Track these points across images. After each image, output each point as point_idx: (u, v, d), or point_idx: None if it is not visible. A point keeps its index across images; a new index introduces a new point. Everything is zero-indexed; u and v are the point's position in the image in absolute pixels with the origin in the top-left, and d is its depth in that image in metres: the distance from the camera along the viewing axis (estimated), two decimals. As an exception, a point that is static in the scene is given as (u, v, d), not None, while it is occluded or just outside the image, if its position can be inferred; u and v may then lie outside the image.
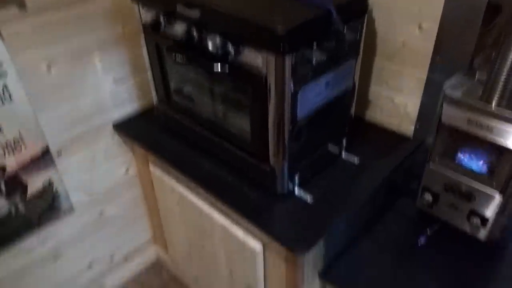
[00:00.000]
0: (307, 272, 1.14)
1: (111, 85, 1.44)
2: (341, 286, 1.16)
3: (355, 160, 1.27)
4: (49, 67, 1.26)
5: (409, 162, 1.29)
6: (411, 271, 1.17)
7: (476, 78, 1.04)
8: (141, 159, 1.58)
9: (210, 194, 1.23)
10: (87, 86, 1.38)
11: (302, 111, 1.04)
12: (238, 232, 1.24)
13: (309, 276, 1.16)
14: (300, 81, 0.98)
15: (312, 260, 1.13)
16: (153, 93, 1.40)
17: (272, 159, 1.10)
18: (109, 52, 1.39)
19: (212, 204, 1.31)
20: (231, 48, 0.98)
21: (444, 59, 1.15)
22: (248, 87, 1.05)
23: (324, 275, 1.19)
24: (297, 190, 1.18)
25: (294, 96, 0.98)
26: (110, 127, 1.50)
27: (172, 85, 1.33)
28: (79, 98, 1.37)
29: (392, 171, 1.24)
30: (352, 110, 1.25)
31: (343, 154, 1.29)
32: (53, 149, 1.36)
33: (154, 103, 1.44)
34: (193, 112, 1.32)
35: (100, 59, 1.37)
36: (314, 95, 1.04)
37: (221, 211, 1.28)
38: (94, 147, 1.49)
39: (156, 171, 1.46)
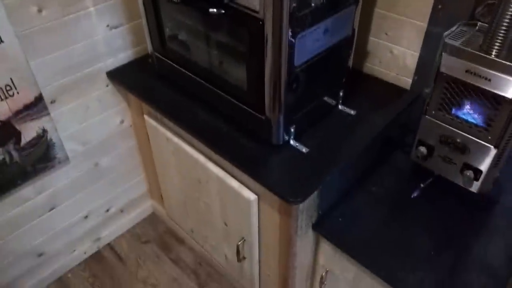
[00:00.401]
0: (301, 224, 1.15)
1: (105, 30, 1.40)
2: (334, 237, 1.17)
3: (352, 111, 1.26)
4: (40, 10, 1.22)
5: (406, 115, 1.29)
6: (404, 223, 1.19)
7: (477, 28, 1.02)
8: (136, 109, 1.57)
9: (205, 144, 1.22)
10: (80, 31, 1.34)
11: (300, 59, 1.02)
12: (233, 183, 1.25)
13: (303, 228, 1.17)
14: (298, 26, 0.95)
15: (306, 211, 1.14)
16: (148, 39, 1.36)
17: (268, 109, 1.09)
18: (102, -6, 1.34)
19: (207, 155, 1.30)
20: (227, -12, 0.95)
21: (446, 7, 1.12)
22: (244, 33, 1.02)
23: (318, 226, 1.20)
24: (292, 141, 1.17)
25: (292, 42, 0.96)
26: (104, 75, 1.47)
27: (167, 31, 1.30)
28: (72, 43, 1.34)
29: (389, 123, 1.23)
30: (350, 61, 1.23)
31: (340, 105, 1.28)
32: (46, 97, 1.34)
33: (149, 50, 1.41)
34: (188, 60, 1.29)
35: (93, 2, 1.32)
36: (312, 42, 1.02)
37: (216, 162, 1.28)
38: (88, 96, 1.47)
39: (151, 121, 1.45)
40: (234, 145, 1.18)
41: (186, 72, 1.30)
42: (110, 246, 1.87)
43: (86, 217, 1.71)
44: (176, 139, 1.38)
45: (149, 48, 1.39)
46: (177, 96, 1.35)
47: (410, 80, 1.31)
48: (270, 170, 1.12)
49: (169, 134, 1.40)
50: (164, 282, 1.74)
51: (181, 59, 1.30)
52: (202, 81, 1.26)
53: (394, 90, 1.35)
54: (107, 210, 1.80)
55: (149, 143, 1.57)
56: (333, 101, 1.26)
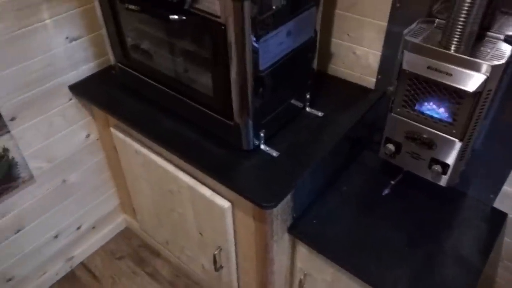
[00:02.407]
0: (276, 228, 1.14)
1: (65, 43, 1.36)
2: (310, 240, 1.17)
3: (319, 113, 1.27)
4: (-8, 24, 1.17)
5: (372, 114, 1.30)
6: (377, 221, 1.20)
7: (435, 25, 1.04)
8: (102, 122, 1.53)
9: (174, 153, 1.20)
10: (38, 45, 1.29)
11: (265, 62, 1.01)
12: (205, 191, 1.23)
13: (279, 232, 1.17)
14: (261, 29, 0.95)
15: (281, 215, 1.14)
16: (109, 50, 1.33)
17: (236, 115, 1.08)
18: (59, 6, 1.29)
19: (177, 165, 1.28)
20: (187, -6, 0.94)
21: (404, 5, 1.14)
22: (207, 38, 1.01)
23: (293, 230, 1.20)
24: (263, 146, 1.17)
25: (256, 45, 0.95)
26: (66, 89, 1.43)
27: (130, 41, 1.27)
28: (30, 58, 1.29)
29: (356, 123, 1.24)
30: (315, 63, 1.23)
31: (307, 107, 1.28)
32: (5, 114, 1.29)
33: (112, 61, 1.38)
34: (153, 70, 1.27)
35: (50, 13, 1.28)
36: (276, 45, 1.01)
37: (187, 171, 1.26)
38: (50, 112, 1.42)
39: (118, 134, 1.42)
40: (204, 153, 1.17)
41: (151, 81, 1.27)
42: (83, 264, 1.82)
43: (56, 236, 1.65)
44: (144, 151, 1.35)
45: (112, 59, 1.36)
46: (143, 107, 1.32)
47: (374, 80, 1.33)
48: (242, 176, 1.11)
49: (137, 146, 1.37)
50: (141, 298, 1.70)
51: (145, 69, 1.28)
52: (168, 90, 1.24)
53: (359, 90, 1.36)
54: (78, 228, 1.74)
55: (118, 156, 1.53)
56: (301, 104, 1.26)
